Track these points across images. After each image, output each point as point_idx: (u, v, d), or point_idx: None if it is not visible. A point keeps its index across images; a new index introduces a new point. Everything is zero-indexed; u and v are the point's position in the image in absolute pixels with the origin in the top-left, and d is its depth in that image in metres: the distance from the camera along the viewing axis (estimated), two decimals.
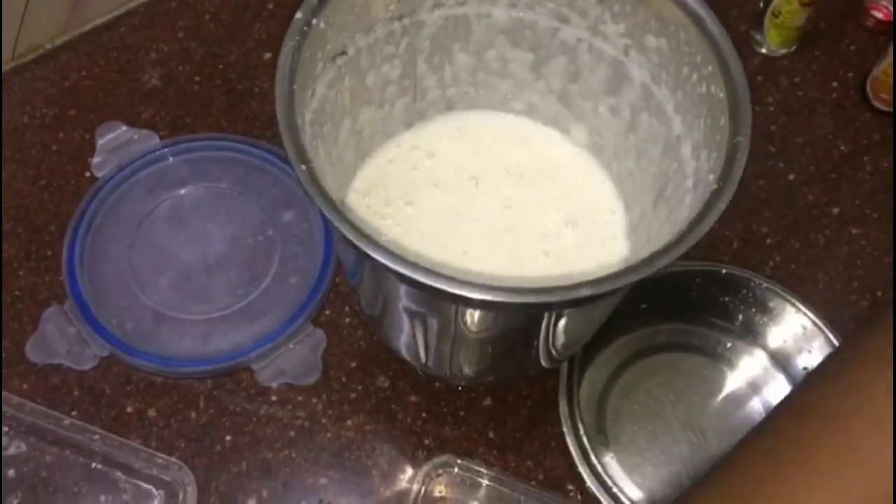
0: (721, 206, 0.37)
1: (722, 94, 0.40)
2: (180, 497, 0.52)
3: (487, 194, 0.53)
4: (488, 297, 0.36)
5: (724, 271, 0.57)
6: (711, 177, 0.39)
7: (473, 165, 0.54)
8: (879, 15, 0.75)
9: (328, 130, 0.47)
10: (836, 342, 0.56)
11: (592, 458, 0.53)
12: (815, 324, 0.57)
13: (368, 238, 0.36)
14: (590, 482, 0.52)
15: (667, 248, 0.36)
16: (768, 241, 0.64)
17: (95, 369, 0.57)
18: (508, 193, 0.53)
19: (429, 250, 0.49)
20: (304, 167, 0.37)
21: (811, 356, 0.57)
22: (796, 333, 0.57)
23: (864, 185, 0.68)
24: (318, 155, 0.45)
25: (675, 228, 0.38)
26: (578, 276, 0.36)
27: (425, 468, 0.53)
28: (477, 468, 0.54)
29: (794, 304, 0.57)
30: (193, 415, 0.56)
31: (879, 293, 0.63)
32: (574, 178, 0.54)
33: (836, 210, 0.66)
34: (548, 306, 0.39)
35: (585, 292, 0.35)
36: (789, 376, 0.58)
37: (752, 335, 0.59)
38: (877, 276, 0.63)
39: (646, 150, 0.49)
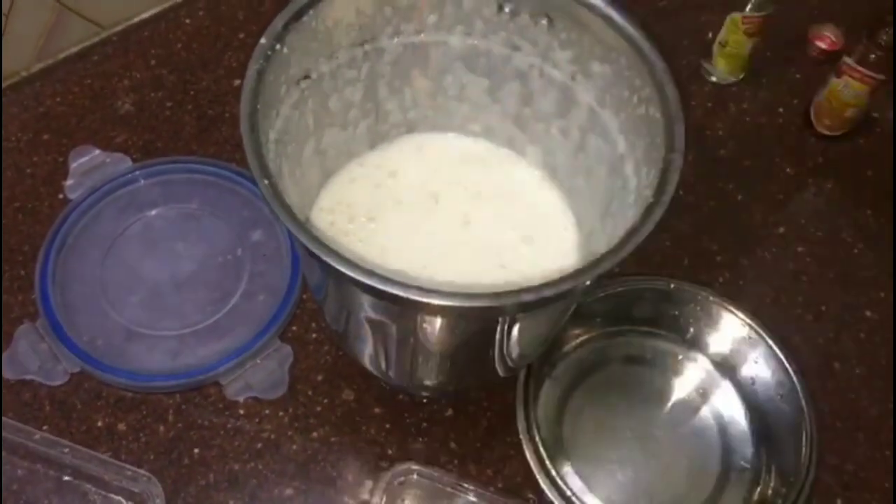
0: (656, 216, 0.40)
1: (658, 115, 0.43)
2: None
3: (447, 211, 0.56)
4: (443, 301, 0.38)
5: (672, 286, 0.60)
6: (648, 192, 0.42)
7: (434, 184, 0.56)
8: (823, 45, 0.79)
9: (292, 150, 0.50)
10: (779, 352, 0.58)
11: (549, 466, 0.55)
12: (759, 334, 0.59)
13: (328, 248, 0.39)
14: (547, 490, 0.54)
15: (605, 256, 0.39)
16: (718, 258, 0.67)
17: (66, 385, 0.58)
18: (467, 210, 0.56)
19: (390, 263, 0.52)
20: (266, 182, 0.40)
21: (756, 365, 0.59)
22: (742, 344, 0.60)
23: (809, 206, 0.71)
24: (282, 173, 0.47)
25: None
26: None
27: (388, 477, 0.55)
28: (438, 476, 0.55)
29: (739, 317, 0.60)
30: (162, 428, 0.58)
31: (823, 307, 0.66)
32: (529, 196, 0.57)
33: (782, 229, 0.70)
34: (500, 310, 0.42)
35: (529, 297, 0.38)
36: (736, 384, 0.60)
37: (700, 346, 0.62)
38: (821, 291, 0.67)
39: (594, 169, 0.52)
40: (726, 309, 0.60)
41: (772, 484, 0.56)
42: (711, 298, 0.60)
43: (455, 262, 0.53)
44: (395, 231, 0.54)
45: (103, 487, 0.55)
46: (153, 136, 0.70)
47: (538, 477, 0.54)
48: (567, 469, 0.57)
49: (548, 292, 0.38)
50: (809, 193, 0.72)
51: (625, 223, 0.47)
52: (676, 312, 0.61)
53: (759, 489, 0.57)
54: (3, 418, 0.56)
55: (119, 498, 0.55)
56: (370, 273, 0.38)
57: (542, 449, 0.55)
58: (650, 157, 0.44)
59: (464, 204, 0.56)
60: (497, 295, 0.38)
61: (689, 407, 0.60)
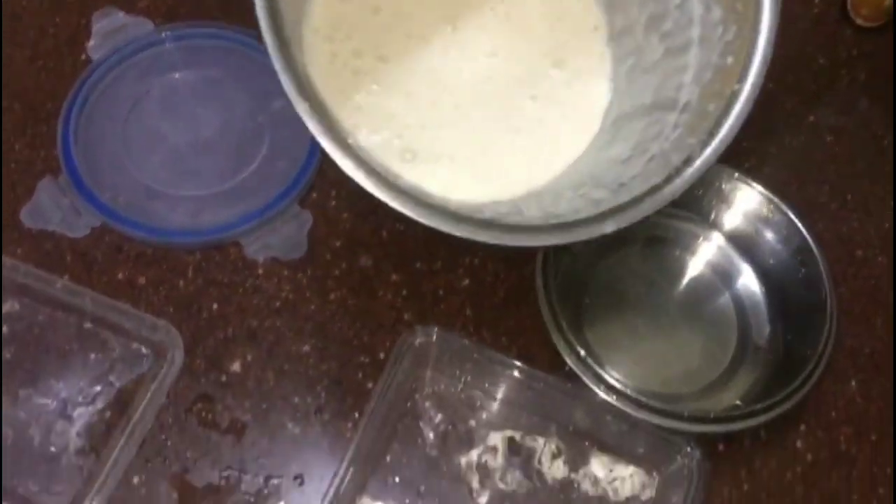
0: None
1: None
2: (168, 357, 0.54)
3: (466, 40, 0.52)
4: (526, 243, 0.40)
5: None
6: (721, 35, 0.40)
7: (448, 5, 0.52)
8: None
9: None
10: (803, 230, 0.57)
11: (570, 338, 0.54)
12: (783, 213, 0.58)
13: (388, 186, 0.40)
14: (567, 359, 0.54)
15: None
16: (744, 144, 0.66)
17: (88, 238, 0.59)
18: (489, 39, 0.52)
19: (420, 110, 0.49)
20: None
21: (778, 245, 0.59)
22: (765, 223, 0.59)
23: (841, 97, 0.70)
24: None
25: (672, 72, 0.40)
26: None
27: (405, 338, 0.55)
28: (458, 339, 0.56)
29: (763, 195, 0.59)
30: (182, 283, 0.58)
31: (849, 196, 0.65)
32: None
33: (812, 118, 0.68)
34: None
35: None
36: (756, 264, 0.60)
37: (721, 226, 0.61)
38: (848, 181, 0.66)
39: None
40: (750, 187, 0.59)
41: (786, 363, 0.56)
42: (736, 175, 0.59)
43: (484, 97, 0.50)
44: (413, 73, 0.50)
45: (123, 335, 0.56)
46: (176, 1, 0.69)
47: (557, 345, 0.54)
48: (583, 341, 0.57)
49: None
50: (842, 84, 0.70)
51: (681, 58, 0.46)
52: (700, 192, 0.60)
53: (773, 368, 0.57)
54: (26, 266, 0.56)
55: (139, 346, 0.55)
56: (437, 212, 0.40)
57: (561, 319, 0.55)
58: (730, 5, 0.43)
59: (484, 30, 0.52)
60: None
61: (708, 286, 0.60)
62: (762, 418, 0.51)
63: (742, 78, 0.44)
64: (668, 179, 0.45)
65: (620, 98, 0.52)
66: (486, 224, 0.43)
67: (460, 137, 0.51)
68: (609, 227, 0.45)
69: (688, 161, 0.45)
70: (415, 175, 0.48)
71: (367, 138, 0.49)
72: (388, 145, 0.49)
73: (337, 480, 0.49)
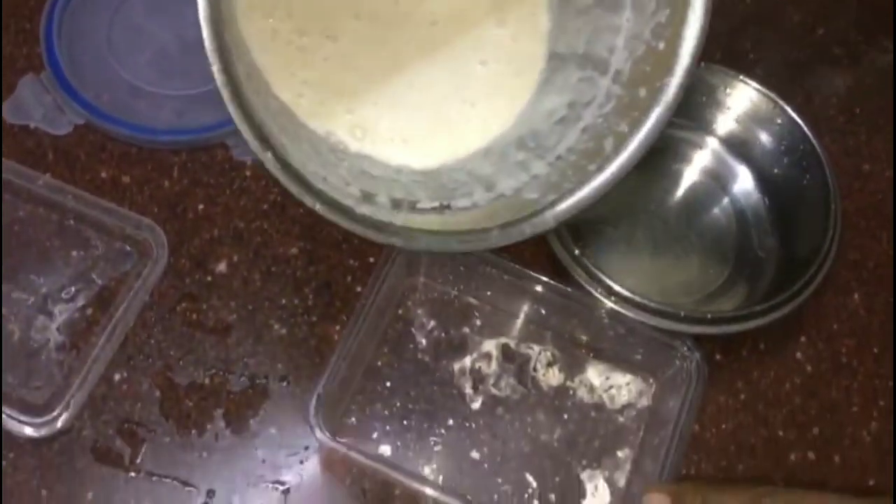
0: None
1: None
2: (153, 256, 0.53)
3: (408, 11, 0.50)
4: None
5: (701, 64, 0.57)
6: (654, 11, 0.42)
7: None
8: None
9: None
10: (811, 137, 0.55)
11: (566, 239, 0.53)
12: (789, 118, 0.56)
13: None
14: (564, 260, 0.52)
15: None
16: (751, 56, 0.64)
17: (71, 135, 0.57)
18: (427, 6, 0.51)
19: (370, 87, 0.49)
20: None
21: (782, 152, 0.57)
22: (769, 129, 0.57)
23: (850, 12, 0.67)
24: None
25: (604, 28, 0.42)
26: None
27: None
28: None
29: (768, 98, 0.57)
30: (167, 183, 0.56)
31: (858, 110, 0.63)
32: None
33: (821, 31, 0.66)
34: None
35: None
36: (757, 171, 0.58)
37: (723, 133, 0.59)
38: (856, 95, 0.64)
39: None
40: (753, 90, 0.57)
41: (787, 271, 0.55)
42: (740, 78, 0.57)
43: (436, 72, 0.50)
44: (366, 51, 0.49)
45: (106, 234, 0.54)
46: None
47: (553, 247, 0.52)
48: (580, 251, 0.56)
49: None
50: (852, 1, 0.68)
51: None
52: (704, 99, 0.58)
53: (773, 277, 0.55)
54: (6, 161, 0.54)
55: (122, 244, 0.54)
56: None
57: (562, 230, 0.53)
58: None
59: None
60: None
61: (706, 194, 0.58)
62: (761, 321, 0.49)
63: (670, 72, 0.44)
64: (600, 168, 0.45)
65: (556, 35, 0.52)
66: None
67: (413, 114, 0.50)
68: (550, 223, 0.45)
69: (618, 149, 0.45)
70: (366, 147, 0.48)
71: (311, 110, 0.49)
72: (339, 120, 0.49)
73: (324, 380, 0.48)
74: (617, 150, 0.45)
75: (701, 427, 0.52)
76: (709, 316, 0.49)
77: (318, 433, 0.47)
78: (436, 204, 0.47)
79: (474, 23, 0.51)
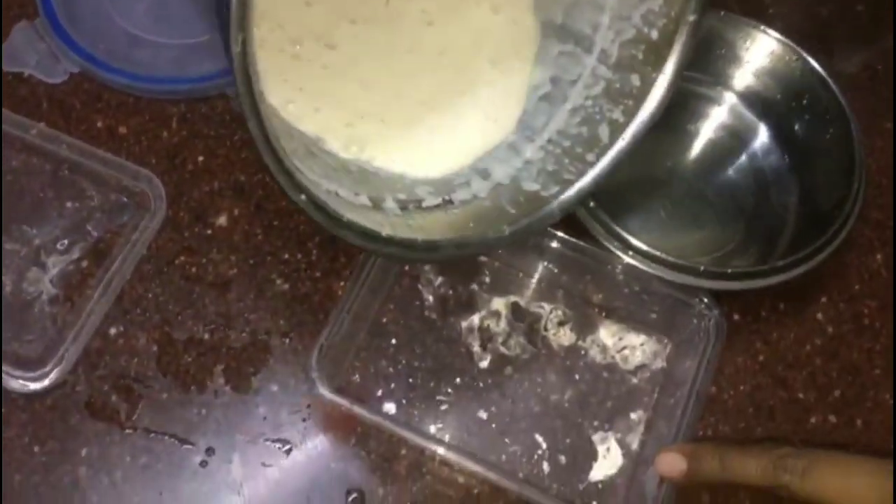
0: None
1: None
2: (151, 208, 0.51)
3: (400, 11, 0.48)
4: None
5: (722, 13, 0.55)
6: None
7: None
8: None
9: None
10: (835, 90, 0.53)
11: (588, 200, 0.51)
12: (812, 72, 0.54)
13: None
14: (578, 213, 0.50)
15: None
16: (770, 11, 0.62)
17: (66, 84, 0.55)
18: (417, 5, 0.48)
19: (377, 102, 0.47)
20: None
21: (806, 106, 0.54)
22: (792, 83, 0.55)
23: None
24: None
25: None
26: None
27: None
28: None
29: (792, 50, 0.54)
30: (165, 134, 0.54)
31: (879, 67, 0.61)
32: None
33: None
34: None
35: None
36: (776, 127, 0.56)
37: (735, 87, 0.57)
38: (877, 51, 0.62)
39: None
40: (773, 41, 0.54)
41: (808, 228, 0.53)
42: (762, 28, 0.54)
43: (433, 76, 0.48)
44: (367, 60, 0.46)
45: (103, 185, 0.52)
46: None
47: (577, 215, 0.50)
48: (594, 205, 0.54)
49: None
50: None
51: None
52: (721, 51, 0.56)
53: (792, 234, 0.53)
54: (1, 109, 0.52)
55: (119, 196, 0.52)
56: None
57: None
58: None
59: None
60: None
61: (724, 151, 0.57)
62: (783, 276, 0.47)
63: (663, 65, 0.44)
64: (598, 157, 0.46)
65: (536, 4, 0.50)
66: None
67: (421, 132, 0.48)
68: (556, 215, 0.46)
69: (614, 137, 0.46)
70: (360, 159, 0.47)
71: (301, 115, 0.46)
72: (335, 132, 0.47)
73: (326, 333, 0.46)
74: (613, 138, 0.45)
75: (718, 389, 0.50)
76: (729, 270, 0.47)
77: (320, 388, 0.45)
78: (439, 200, 0.47)
79: (469, 16, 0.49)
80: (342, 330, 0.47)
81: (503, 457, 0.48)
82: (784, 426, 0.50)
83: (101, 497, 0.45)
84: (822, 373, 0.51)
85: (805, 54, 0.54)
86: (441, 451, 0.46)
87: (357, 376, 0.49)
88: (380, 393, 0.49)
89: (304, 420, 0.48)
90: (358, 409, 0.46)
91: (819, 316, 0.53)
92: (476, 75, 0.49)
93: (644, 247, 0.47)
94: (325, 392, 0.45)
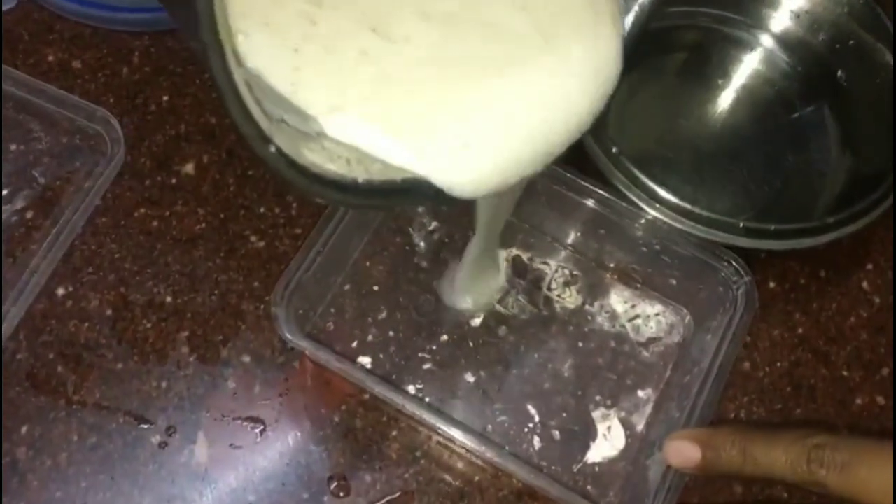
0: None
1: None
2: (107, 153, 0.45)
3: None
4: None
5: None
6: None
7: None
8: None
9: None
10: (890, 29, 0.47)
11: (609, 143, 0.44)
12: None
13: None
14: (598, 161, 0.43)
15: None
16: None
17: (13, 13, 0.49)
18: None
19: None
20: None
21: (851, 53, 0.49)
22: (838, 23, 0.49)
23: None
24: None
25: None
26: None
27: None
28: None
29: None
30: (126, 70, 0.48)
31: None
32: None
33: None
34: None
35: None
36: (814, 71, 0.50)
37: (772, 30, 0.51)
38: None
39: None
40: None
41: (853, 187, 0.47)
42: None
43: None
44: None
45: (51, 125, 0.46)
46: None
47: (592, 155, 0.44)
48: (617, 151, 0.47)
49: None
50: None
51: None
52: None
53: (833, 192, 0.47)
54: None
55: (70, 138, 0.45)
56: None
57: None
58: None
59: None
60: None
61: (758, 101, 0.51)
62: (832, 235, 0.41)
63: None
64: None
65: None
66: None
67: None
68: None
69: None
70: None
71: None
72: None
73: (293, 266, 0.39)
74: None
75: (752, 365, 0.44)
76: (773, 227, 0.41)
77: (285, 331, 0.38)
78: None
79: None
80: (314, 268, 0.40)
81: (489, 426, 0.42)
82: (826, 408, 0.44)
83: (42, 481, 0.39)
84: (869, 349, 0.45)
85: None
86: (417, 411, 0.39)
87: (331, 324, 0.43)
88: (355, 344, 0.43)
89: (280, 395, 0.42)
90: (326, 358, 0.39)
91: (864, 284, 0.47)
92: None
93: (674, 198, 0.41)
94: (288, 336, 0.38)
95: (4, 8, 0.48)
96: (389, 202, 0.31)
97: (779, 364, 0.45)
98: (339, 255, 0.42)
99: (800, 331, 0.46)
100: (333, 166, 0.29)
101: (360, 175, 0.30)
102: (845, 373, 0.45)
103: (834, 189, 0.47)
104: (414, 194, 0.30)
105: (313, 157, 0.29)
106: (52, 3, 0.48)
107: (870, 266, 0.47)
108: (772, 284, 0.46)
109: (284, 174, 0.27)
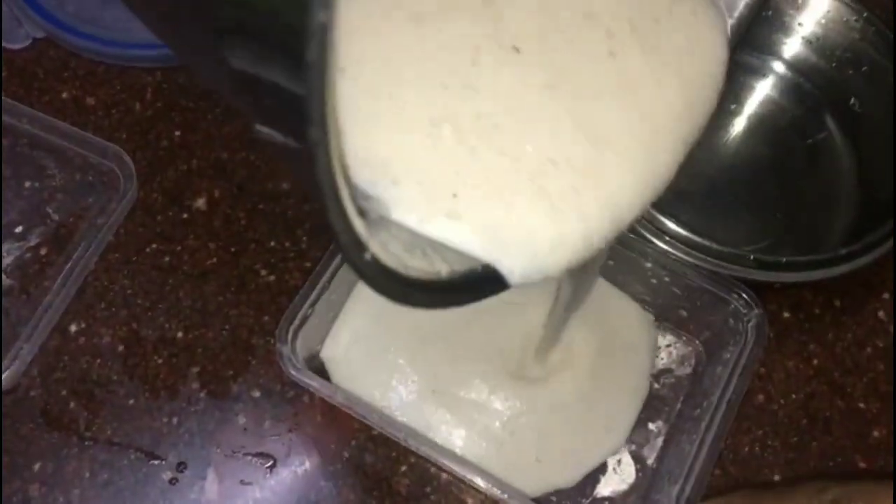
0: None
1: None
2: (119, 189, 0.45)
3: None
4: None
5: None
6: None
7: None
8: None
9: None
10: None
11: None
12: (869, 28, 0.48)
13: None
14: None
15: None
16: None
17: (28, 50, 0.49)
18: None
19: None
20: None
21: (864, 78, 0.48)
22: (840, 48, 0.49)
23: None
24: None
25: None
26: None
27: None
28: None
29: (853, 9, 0.48)
30: (139, 106, 0.49)
31: None
32: None
33: None
34: None
35: None
36: (828, 98, 0.50)
37: (784, 56, 0.51)
38: None
39: None
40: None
41: (865, 216, 0.46)
42: None
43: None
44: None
45: (65, 162, 0.46)
46: None
47: None
48: None
49: None
50: None
51: None
52: (768, 13, 0.50)
53: (847, 221, 0.47)
54: None
55: (84, 175, 0.46)
56: None
57: None
58: None
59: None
60: None
61: (770, 129, 0.50)
62: (845, 267, 0.41)
63: None
64: None
65: None
66: None
67: None
68: None
69: None
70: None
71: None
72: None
73: (299, 298, 0.40)
74: None
75: (767, 397, 0.44)
76: (784, 260, 0.40)
77: (290, 368, 0.38)
78: None
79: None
80: (320, 303, 0.40)
81: (494, 460, 0.42)
82: (842, 441, 0.43)
83: None
84: (886, 379, 0.45)
85: (868, 13, 0.47)
86: (425, 448, 0.38)
87: None
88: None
89: (290, 430, 0.42)
90: (330, 394, 0.39)
91: (881, 314, 0.46)
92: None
93: (683, 231, 0.41)
94: (293, 373, 0.38)
95: (18, 46, 0.49)
96: (480, 294, 0.26)
97: (794, 396, 0.44)
98: (345, 290, 0.42)
99: (815, 362, 0.45)
100: (414, 261, 0.25)
101: (442, 268, 0.25)
102: (862, 405, 0.44)
103: (848, 216, 0.47)
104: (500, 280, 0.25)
105: (394, 250, 0.24)
106: (66, 41, 0.49)
107: (886, 295, 0.47)
108: (786, 314, 0.46)
109: (380, 286, 0.23)
